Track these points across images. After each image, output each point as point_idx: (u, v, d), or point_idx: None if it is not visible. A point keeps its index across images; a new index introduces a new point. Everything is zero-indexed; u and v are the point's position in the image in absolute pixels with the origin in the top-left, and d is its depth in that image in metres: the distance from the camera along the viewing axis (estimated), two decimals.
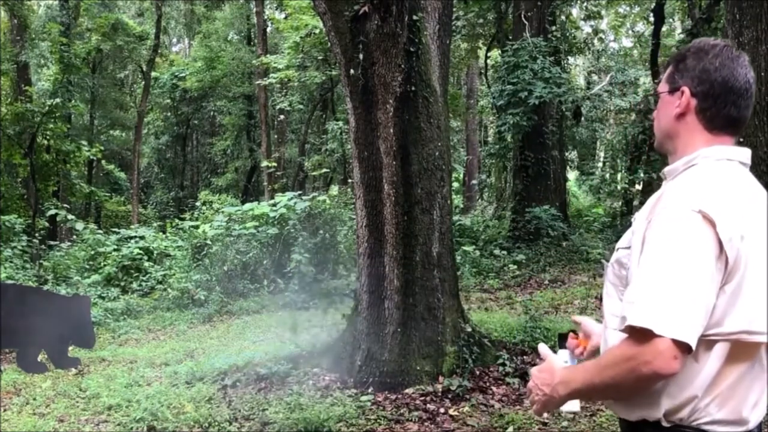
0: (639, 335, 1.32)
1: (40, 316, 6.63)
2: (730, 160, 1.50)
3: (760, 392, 1.45)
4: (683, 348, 1.30)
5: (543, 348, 1.68)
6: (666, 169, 1.58)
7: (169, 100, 28.15)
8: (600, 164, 26.10)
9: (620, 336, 1.39)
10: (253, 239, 11.29)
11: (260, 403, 4.85)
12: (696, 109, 1.53)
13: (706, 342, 1.38)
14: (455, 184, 20.09)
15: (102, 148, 20.08)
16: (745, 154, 1.53)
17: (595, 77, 22.25)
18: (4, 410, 5.12)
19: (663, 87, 1.61)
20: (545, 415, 4.49)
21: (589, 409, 4.48)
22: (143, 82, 24.55)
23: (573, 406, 1.61)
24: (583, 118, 17.63)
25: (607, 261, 1.63)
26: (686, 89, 1.53)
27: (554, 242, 12.21)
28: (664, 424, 1.43)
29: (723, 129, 1.53)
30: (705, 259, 1.33)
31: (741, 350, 1.39)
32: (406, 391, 4.91)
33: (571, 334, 1.83)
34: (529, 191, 13.15)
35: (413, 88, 5.15)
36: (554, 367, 1.55)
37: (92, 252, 12.62)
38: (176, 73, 26.58)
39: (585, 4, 18.21)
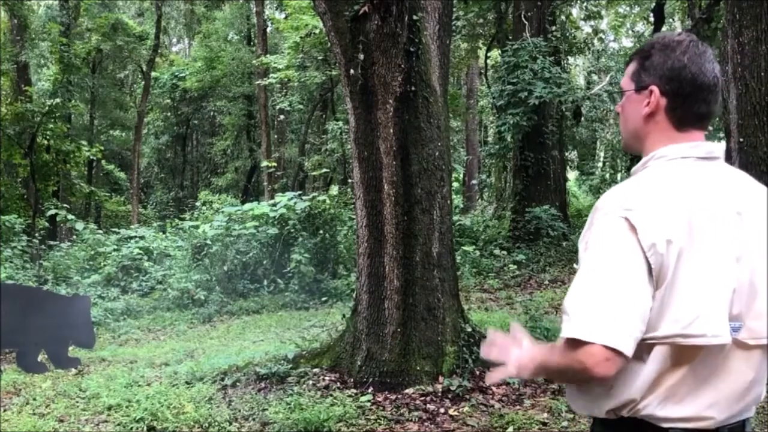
0: (573, 343, 1.37)
1: (40, 316, 6.63)
2: (684, 157, 1.47)
3: (721, 393, 1.42)
4: (615, 353, 1.33)
5: (517, 327, 1.63)
6: (632, 170, 1.57)
7: (169, 100, 28.17)
8: (600, 164, 26.12)
9: None
10: (253, 239, 11.30)
11: (260, 403, 4.85)
12: (666, 108, 1.49)
13: (645, 346, 1.39)
14: (455, 184, 20.08)
15: (102, 148, 20.10)
16: (704, 148, 1.48)
17: (595, 77, 22.24)
18: (4, 410, 5.12)
19: (628, 84, 1.56)
20: (545, 415, 4.49)
21: None
22: (143, 82, 24.56)
23: None
24: (583, 118, 17.63)
25: None
26: (655, 88, 1.49)
27: (554, 242, 12.21)
28: (611, 417, 1.46)
29: (692, 126, 1.50)
30: (632, 266, 1.35)
31: (680, 353, 1.38)
32: (406, 391, 4.91)
33: None
34: (529, 191, 13.14)
35: (413, 88, 5.15)
36: (533, 354, 1.57)
37: (92, 252, 12.63)
38: (176, 73, 26.60)
39: (585, 4, 18.20)
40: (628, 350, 1.34)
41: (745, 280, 1.41)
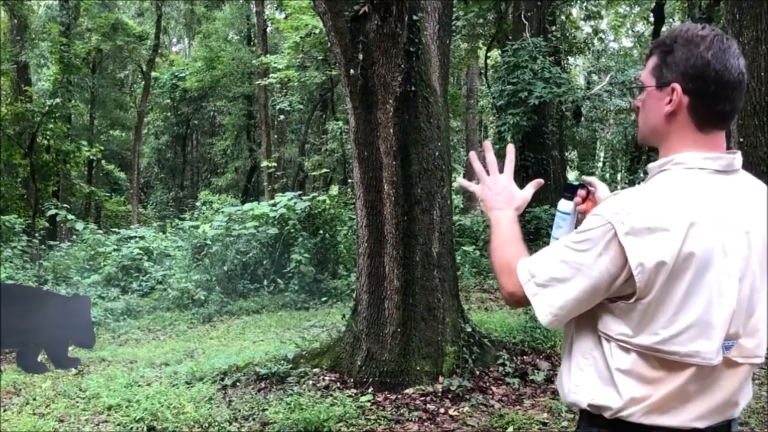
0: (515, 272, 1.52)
1: (40, 316, 6.63)
2: (702, 168, 1.42)
3: (707, 408, 1.42)
4: (521, 296, 1.49)
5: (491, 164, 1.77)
6: (648, 166, 1.54)
7: (169, 100, 28.17)
8: (600, 164, 26.10)
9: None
10: (253, 239, 11.29)
11: (260, 403, 4.84)
12: (688, 106, 1.43)
13: (632, 351, 1.40)
14: (455, 184, 20.05)
15: (102, 148, 20.12)
16: (724, 161, 1.44)
17: (595, 77, 22.24)
18: (4, 410, 5.12)
19: (649, 80, 1.50)
20: (545, 415, 4.49)
21: None
22: (143, 82, 24.56)
23: None
24: (583, 118, 17.63)
25: None
26: (677, 87, 1.43)
27: None
28: (595, 412, 1.47)
29: (714, 125, 1.45)
30: (594, 270, 1.38)
31: (674, 367, 1.38)
32: (406, 391, 4.91)
33: (580, 190, 1.76)
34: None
35: (413, 88, 5.15)
36: (515, 197, 1.71)
37: (92, 252, 12.63)
38: (176, 73, 26.60)
39: (585, 4, 18.21)
40: (543, 316, 1.45)
41: (745, 299, 1.39)
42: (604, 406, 1.44)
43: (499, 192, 1.71)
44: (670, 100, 1.45)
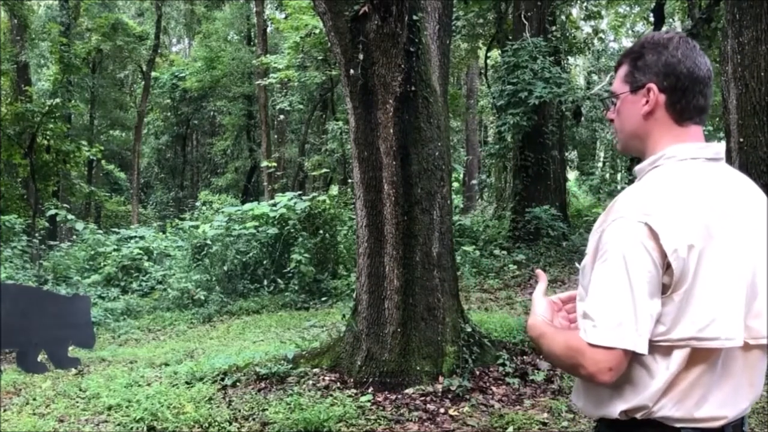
0: (591, 346, 1.39)
1: (40, 316, 6.64)
2: (694, 158, 1.48)
3: (728, 392, 1.44)
4: (627, 355, 1.37)
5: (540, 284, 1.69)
6: (635, 169, 1.58)
7: (169, 100, 28.18)
8: (600, 164, 26.13)
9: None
10: (253, 239, 11.30)
11: (260, 403, 4.84)
12: (665, 103, 1.50)
13: (662, 349, 1.40)
14: (455, 184, 20.08)
15: (102, 148, 20.10)
16: (712, 149, 1.50)
17: (595, 77, 22.25)
18: (4, 410, 5.12)
19: (621, 87, 1.57)
20: (545, 415, 4.49)
21: None
22: (143, 82, 24.58)
23: None
24: (583, 118, 17.64)
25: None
26: (653, 86, 1.50)
27: (554, 242, 12.21)
28: (623, 418, 1.47)
29: (692, 119, 1.51)
30: (648, 271, 1.36)
31: (695, 356, 1.40)
32: (406, 391, 4.91)
33: None
34: (529, 191, 13.14)
35: (413, 88, 5.15)
36: (534, 307, 1.61)
37: (92, 252, 12.64)
38: (176, 73, 26.61)
39: (585, 4, 18.21)
40: (644, 351, 1.37)
41: (749, 282, 1.43)
42: (639, 407, 1.43)
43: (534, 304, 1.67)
44: (647, 101, 1.51)
